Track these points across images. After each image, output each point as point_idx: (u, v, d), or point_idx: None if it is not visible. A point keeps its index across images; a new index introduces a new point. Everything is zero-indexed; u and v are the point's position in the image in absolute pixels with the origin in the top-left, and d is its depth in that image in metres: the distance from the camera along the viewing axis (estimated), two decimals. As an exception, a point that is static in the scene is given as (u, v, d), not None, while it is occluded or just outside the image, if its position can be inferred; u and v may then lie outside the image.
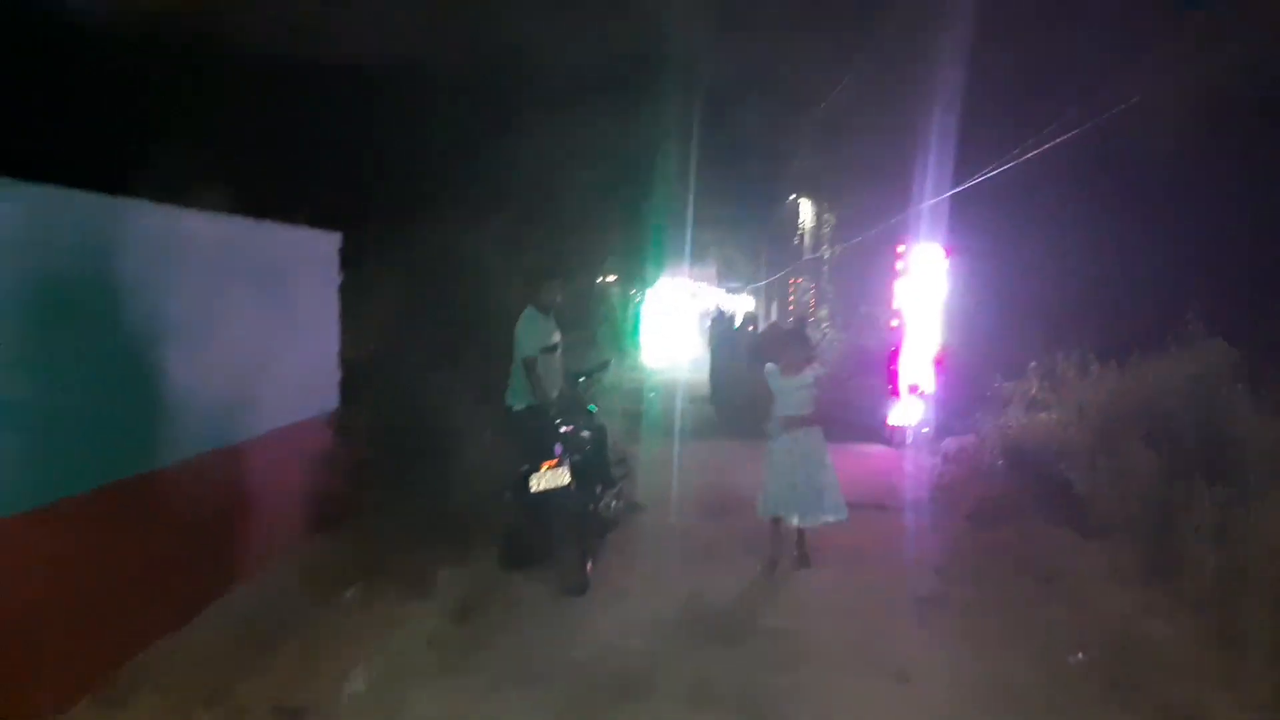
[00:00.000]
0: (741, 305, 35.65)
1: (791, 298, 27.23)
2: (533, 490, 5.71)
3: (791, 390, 6.60)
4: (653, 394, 18.81)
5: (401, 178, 8.31)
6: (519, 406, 6.07)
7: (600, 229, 16.91)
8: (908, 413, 12.47)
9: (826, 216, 25.13)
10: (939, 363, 12.42)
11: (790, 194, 27.51)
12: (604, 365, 7.82)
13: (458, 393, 7.12)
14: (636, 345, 27.61)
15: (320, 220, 6.76)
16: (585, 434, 6.10)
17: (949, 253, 12.32)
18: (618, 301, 25.80)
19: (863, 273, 20.94)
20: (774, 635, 5.24)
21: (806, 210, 26.84)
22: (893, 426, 12.58)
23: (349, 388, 6.66)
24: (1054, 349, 11.15)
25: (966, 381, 12.31)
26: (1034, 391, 10.11)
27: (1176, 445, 7.08)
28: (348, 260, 6.77)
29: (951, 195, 12.76)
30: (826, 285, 25.03)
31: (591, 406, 6.55)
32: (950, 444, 11.24)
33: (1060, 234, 11.78)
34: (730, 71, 19.98)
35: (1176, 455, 6.96)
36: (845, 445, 12.56)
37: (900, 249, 12.56)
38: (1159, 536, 6.14)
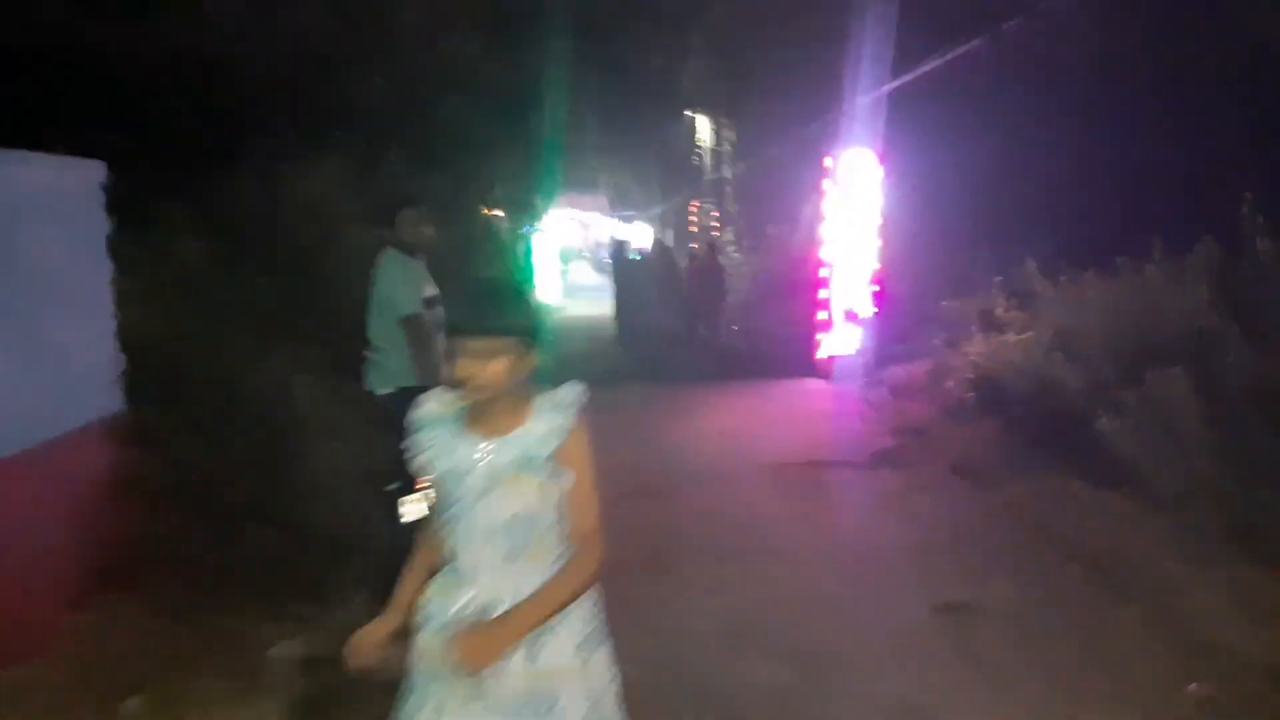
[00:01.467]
0: (638, 234, 33.97)
1: (692, 222, 25.65)
2: (404, 520, 4.00)
3: None
4: (551, 338, 17.05)
5: (203, 95, 6.24)
6: (386, 390, 4.28)
7: (479, 160, 15.08)
8: (843, 341, 11.09)
9: (726, 133, 23.48)
10: (876, 284, 11.03)
11: (685, 110, 25.70)
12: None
13: (298, 375, 5.28)
14: (531, 284, 25.92)
15: (82, 149, 4.76)
16: None
17: (882, 159, 10.83)
18: (506, 238, 24.19)
19: (771, 190, 19.55)
20: (761, 689, 3.69)
21: (704, 127, 25.15)
22: (826, 358, 11.18)
23: (137, 381, 4.73)
24: (1009, 262, 9.89)
25: (908, 302, 10.98)
26: (1000, 310, 8.78)
27: (1213, 371, 5.80)
28: (121, 203, 4.78)
29: (882, 94, 11.22)
30: (730, 206, 23.53)
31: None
32: (897, 374, 9.91)
33: (1010, 131, 10.38)
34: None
35: (1216, 385, 5.67)
36: (774, 381, 11.18)
37: (826, 160, 10.99)
38: (1229, 496, 4.83)
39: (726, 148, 23.38)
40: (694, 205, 25.92)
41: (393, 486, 4.07)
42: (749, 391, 10.29)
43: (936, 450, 7.04)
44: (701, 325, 15.59)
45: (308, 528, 4.59)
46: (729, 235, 22.64)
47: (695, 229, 24.94)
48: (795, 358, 11.76)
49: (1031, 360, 7.60)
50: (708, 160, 25.11)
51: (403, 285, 4.25)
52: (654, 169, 33.42)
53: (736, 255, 21.34)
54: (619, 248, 18.31)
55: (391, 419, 4.28)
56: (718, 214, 24.13)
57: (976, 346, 8.56)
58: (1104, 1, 8.85)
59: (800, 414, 8.86)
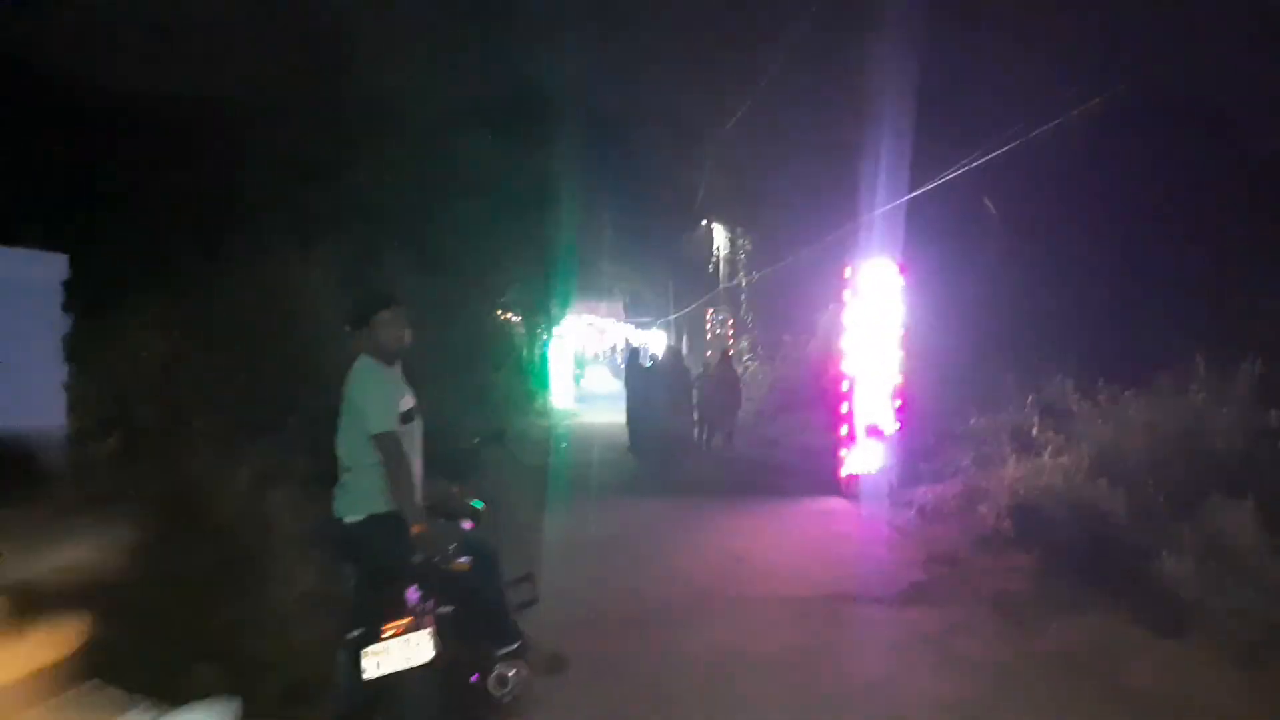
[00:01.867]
0: (654, 340, 33.76)
1: (708, 329, 25.37)
2: (367, 677, 3.40)
3: None
4: (564, 445, 16.56)
5: (188, 184, 5.94)
6: (354, 517, 3.74)
7: (491, 262, 14.83)
8: (866, 458, 10.52)
9: (742, 241, 23.40)
10: (899, 398, 10.53)
11: (701, 220, 25.75)
12: (499, 433, 5.60)
13: (269, 490, 4.77)
14: (545, 388, 25.49)
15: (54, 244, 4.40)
16: (464, 559, 3.73)
17: (903, 269, 10.48)
18: (520, 341, 23.81)
19: (788, 299, 19.27)
20: None
21: (720, 236, 25.13)
22: (848, 475, 10.60)
23: (89, 479, 4.24)
24: (1040, 376, 9.39)
25: (933, 418, 10.44)
26: (1034, 429, 8.24)
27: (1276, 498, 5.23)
28: (83, 296, 4.39)
29: (902, 202, 10.96)
30: (745, 314, 23.27)
31: (476, 502, 4.27)
32: (924, 495, 9.30)
33: (1037, 240, 10.07)
34: (630, 93, 18.38)
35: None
36: (792, 499, 10.58)
37: (846, 270, 10.64)
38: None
39: (742, 256, 23.26)
40: (709, 312, 25.69)
41: (354, 634, 3.48)
42: (766, 510, 9.69)
43: (972, 584, 6.40)
44: (716, 434, 15.09)
45: (259, 664, 4.01)
46: (744, 343, 22.31)
47: (710, 336, 24.63)
48: (815, 473, 11.20)
49: (1072, 485, 7.04)
50: (723, 268, 24.99)
51: (376, 396, 3.73)
52: (670, 276, 33.44)
53: (752, 363, 20.96)
54: (633, 354, 17.91)
55: (359, 549, 3.76)
56: (732, 321, 23.87)
57: (1011, 469, 8.00)
58: (1134, 110, 8.60)
59: (822, 538, 8.24)
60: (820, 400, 13.61)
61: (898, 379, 10.46)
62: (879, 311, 10.46)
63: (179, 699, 3.94)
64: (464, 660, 3.70)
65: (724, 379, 15.40)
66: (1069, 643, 5.20)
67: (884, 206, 10.87)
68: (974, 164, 10.03)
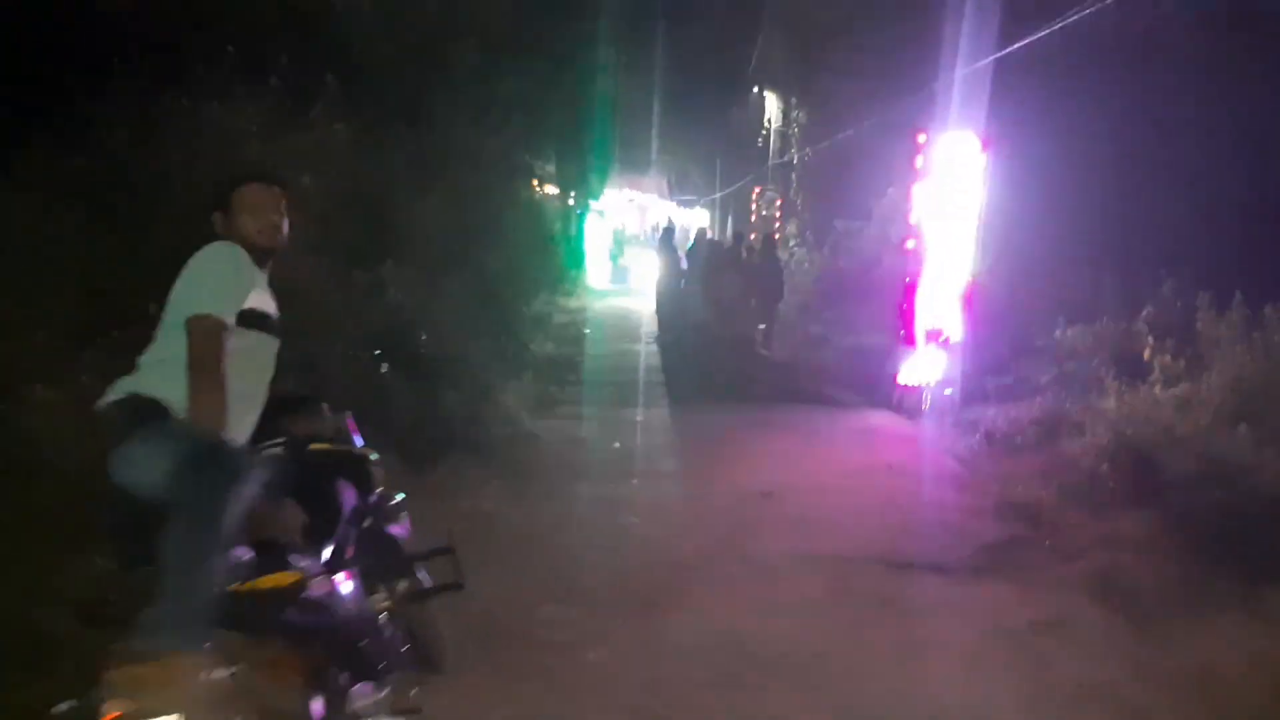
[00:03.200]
0: (697, 219, 31.93)
1: (754, 210, 23.50)
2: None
3: None
4: (588, 331, 15.19)
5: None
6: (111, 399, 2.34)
7: (524, 133, 13.28)
8: (927, 367, 8.98)
9: (796, 113, 21.27)
10: (969, 299, 8.87)
11: (753, 88, 23.57)
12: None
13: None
14: (580, 267, 24.37)
15: None
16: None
17: (986, 145, 8.65)
18: (556, 217, 22.59)
19: (842, 180, 17.44)
20: None
21: (772, 106, 22.98)
22: (905, 387, 9.09)
23: None
24: (1144, 284, 7.73)
25: (1009, 325, 8.84)
26: (1145, 349, 6.64)
27: None
28: None
29: (988, 64, 9.02)
30: (795, 195, 21.34)
31: (373, 454, 2.88)
32: (994, 418, 7.80)
33: (1150, 117, 8.18)
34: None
35: None
36: (837, 412, 9.16)
37: (920, 137, 8.84)
38: None
39: (795, 129, 21.18)
40: (756, 191, 23.78)
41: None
42: (805, 427, 8.26)
43: (1064, 552, 4.96)
44: (755, 331, 13.48)
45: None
46: (792, 227, 20.49)
47: (755, 218, 22.82)
48: (865, 380, 9.74)
49: (1198, 428, 5.48)
50: (774, 142, 22.94)
51: (215, 274, 2.37)
52: (717, 151, 31.40)
53: (799, 250, 19.18)
54: (666, 234, 16.30)
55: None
56: (780, 202, 22.00)
57: (1112, 399, 6.44)
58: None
59: (868, 469, 6.82)
60: (873, 296, 12.08)
61: (969, 275, 8.81)
62: (953, 193, 8.73)
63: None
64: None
65: (764, 267, 13.76)
66: (1209, 657, 3.77)
67: (968, 67, 8.96)
68: (1072, 19, 8.04)
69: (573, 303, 18.16)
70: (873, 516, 5.61)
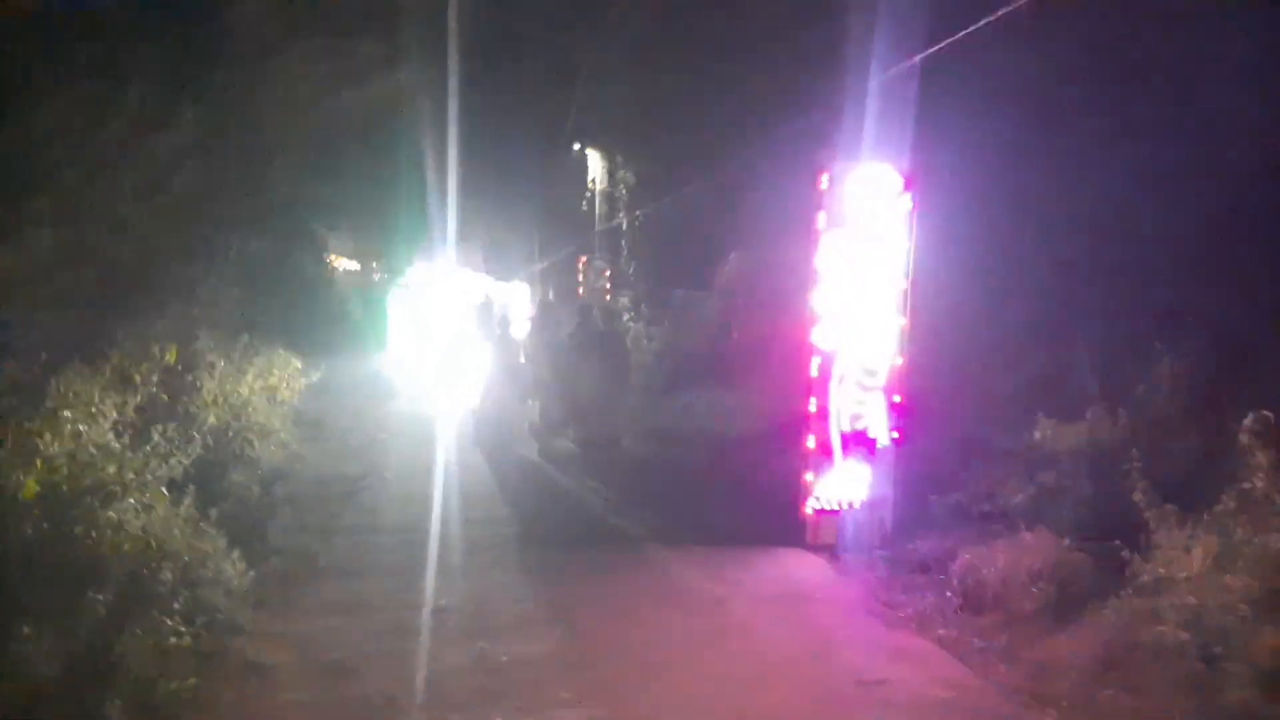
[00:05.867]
0: (517, 295, 29.31)
1: (581, 281, 21.09)
2: None
3: None
4: (383, 436, 12.00)
5: None
6: None
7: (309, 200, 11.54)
8: (846, 484, 6.52)
9: (622, 173, 19.08)
10: (897, 387, 6.51)
11: (572, 145, 21.39)
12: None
13: None
14: (382, 349, 21.76)
15: None
16: None
17: (910, 183, 6.38)
18: (352, 293, 20.36)
19: (679, 243, 15.42)
20: None
21: (596, 166, 20.81)
22: (820, 510, 6.55)
23: None
24: (1137, 359, 5.62)
25: (956, 422, 6.53)
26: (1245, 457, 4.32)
27: None
28: None
29: (913, 65, 6.80)
30: (626, 265, 18.99)
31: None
32: (966, 565, 5.36)
33: (1144, 140, 6.13)
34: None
35: None
36: (734, 554, 6.52)
37: (822, 180, 6.43)
38: None
39: (623, 191, 18.93)
40: (582, 260, 21.46)
41: None
42: (666, 585, 5.53)
43: None
44: (591, 427, 10.58)
45: None
46: (624, 300, 18.11)
47: (584, 291, 20.41)
48: (749, 493, 7.23)
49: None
50: (600, 207, 20.68)
51: None
52: (536, 218, 29.15)
53: (635, 325, 16.71)
54: (483, 311, 13.43)
55: None
56: (609, 272, 19.69)
57: (1181, 554, 4.06)
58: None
59: (832, 696, 4.14)
60: (731, 378, 9.84)
61: (899, 359, 6.44)
62: (868, 247, 6.40)
63: None
64: None
65: (606, 346, 11.04)
66: None
67: (878, 78, 6.70)
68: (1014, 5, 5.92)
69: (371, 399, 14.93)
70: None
